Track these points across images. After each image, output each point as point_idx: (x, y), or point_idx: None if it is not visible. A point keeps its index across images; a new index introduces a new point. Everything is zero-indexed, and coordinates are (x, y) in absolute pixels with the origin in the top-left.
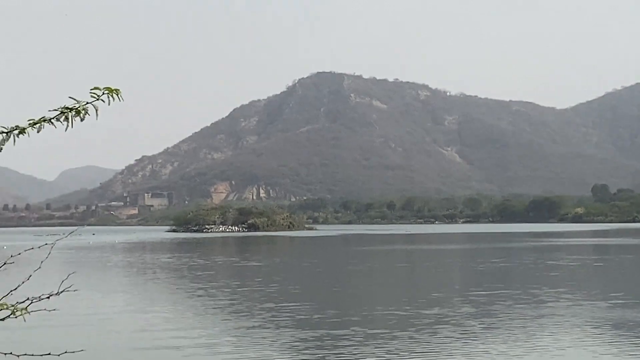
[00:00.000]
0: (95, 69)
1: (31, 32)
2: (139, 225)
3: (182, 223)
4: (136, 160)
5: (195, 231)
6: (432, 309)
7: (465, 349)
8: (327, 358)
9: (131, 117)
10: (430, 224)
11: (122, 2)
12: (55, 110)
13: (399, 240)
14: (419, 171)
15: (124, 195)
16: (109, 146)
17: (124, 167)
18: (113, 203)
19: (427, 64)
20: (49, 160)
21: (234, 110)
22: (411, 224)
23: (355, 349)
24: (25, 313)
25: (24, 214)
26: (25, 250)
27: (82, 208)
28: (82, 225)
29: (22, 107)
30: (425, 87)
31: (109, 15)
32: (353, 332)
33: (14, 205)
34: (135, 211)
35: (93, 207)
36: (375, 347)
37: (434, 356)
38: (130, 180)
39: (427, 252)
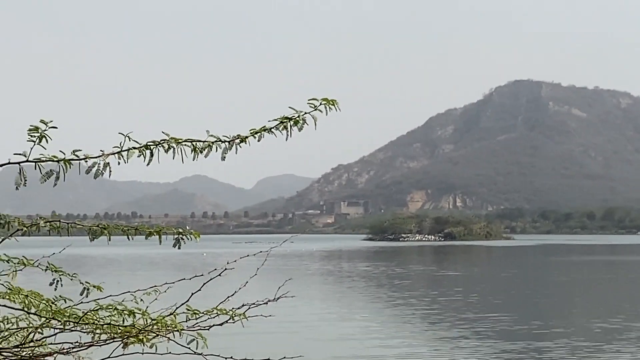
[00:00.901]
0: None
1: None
2: (335, 233)
3: (378, 231)
4: (332, 168)
5: (391, 240)
6: (639, 322)
7: None
8: None
9: (328, 126)
10: (633, 234)
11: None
12: (275, 120)
13: (600, 251)
14: (620, 181)
15: (320, 203)
16: (306, 155)
17: (320, 176)
18: (310, 211)
19: (628, 71)
20: (247, 169)
21: (430, 118)
22: (612, 234)
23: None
24: (243, 318)
25: (222, 222)
26: (241, 258)
27: (279, 216)
28: (287, 233)
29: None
30: (626, 94)
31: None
32: (555, 345)
33: (213, 213)
34: (332, 219)
35: (290, 215)
36: None
37: None
38: (326, 189)
39: (632, 264)
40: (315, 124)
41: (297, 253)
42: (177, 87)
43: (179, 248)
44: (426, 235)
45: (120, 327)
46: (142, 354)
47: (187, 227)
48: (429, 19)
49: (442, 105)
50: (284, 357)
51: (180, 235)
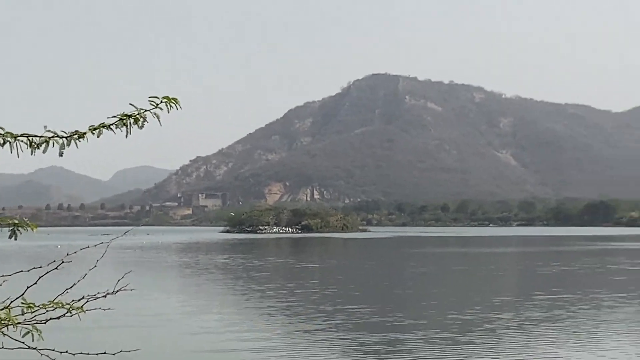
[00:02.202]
0: (156, 71)
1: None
2: (193, 225)
3: (236, 224)
4: (191, 160)
5: (249, 232)
6: (494, 313)
7: (529, 354)
8: None
9: (186, 118)
10: (485, 226)
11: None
12: (114, 117)
13: (454, 243)
14: (473, 174)
15: (178, 195)
16: (163, 147)
17: (178, 168)
18: (167, 203)
19: (482, 67)
20: (104, 161)
21: (289, 111)
22: (465, 226)
23: (415, 353)
24: (80, 312)
25: (78, 214)
26: (82, 249)
27: (136, 208)
28: (137, 225)
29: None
30: (480, 89)
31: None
32: (413, 336)
33: (69, 205)
34: (190, 211)
35: (147, 207)
36: (436, 351)
37: None
38: (184, 181)
39: (484, 255)
40: (160, 121)
41: (154, 245)
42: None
43: (15, 239)
44: (284, 228)
45: None
46: None
47: (35, 220)
48: (288, 11)
49: (301, 98)
50: (121, 351)
51: (16, 227)
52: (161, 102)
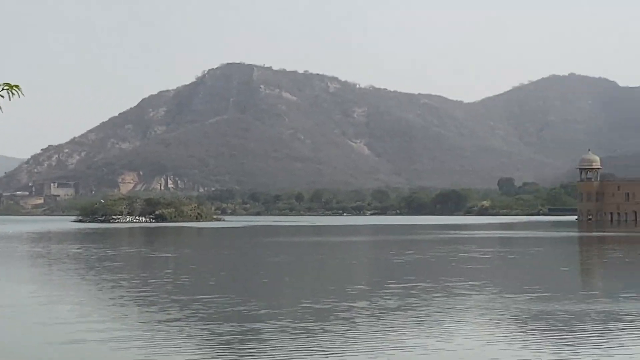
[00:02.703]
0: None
1: None
2: (45, 215)
3: (88, 213)
4: (42, 149)
5: (102, 221)
6: (348, 301)
7: (383, 341)
8: (241, 351)
9: (37, 105)
10: (339, 215)
11: None
12: None
13: (308, 232)
14: (327, 163)
15: (29, 184)
16: (13, 135)
17: (29, 157)
18: (18, 192)
19: (336, 56)
20: None
21: (143, 100)
22: (319, 215)
23: (268, 342)
24: None
25: None
26: None
27: None
28: None
29: None
30: (334, 79)
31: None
32: (266, 325)
33: None
34: (41, 201)
35: None
36: (292, 341)
37: (350, 350)
38: (35, 170)
39: (338, 244)
40: (1, 110)
41: (5, 235)
42: None
43: None
44: (137, 217)
45: None
46: None
47: None
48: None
49: (155, 86)
50: None
51: None
52: (2, 89)
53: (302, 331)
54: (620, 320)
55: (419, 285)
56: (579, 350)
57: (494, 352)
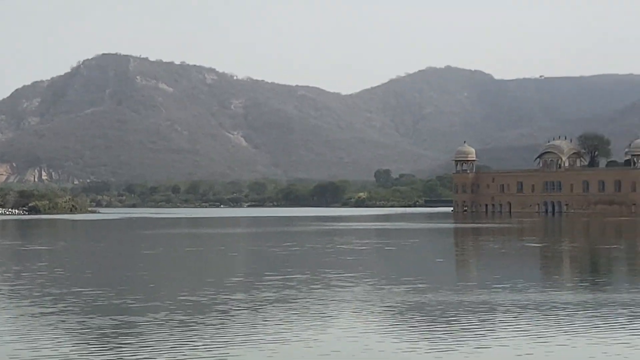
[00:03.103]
0: None
1: None
2: None
3: None
4: None
5: None
6: (225, 293)
7: (261, 334)
8: (116, 345)
9: None
10: (216, 207)
11: None
12: None
13: (185, 224)
14: (204, 155)
15: None
16: None
17: None
18: None
19: (213, 48)
20: None
21: (16, 90)
22: (196, 207)
23: (144, 335)
24: None
25: None
26: None
27: None
28: None
29: None
30: (212, 70)
31: None
32: (142, 318)
33: None
34: None
35: None
36: (168, 334)
37: (227, 343)
38: None
39: (215, 236)
40: None
41: None
42: None
43: None
44: (10, 210)
45: None
46: None
47: None
48: None
49: (28, 77)
50: None
51: None
52: None
53: (179, 324)
54: (495, 311)
55: (297, 277)
56: (454, 340)
57: (371, 343)
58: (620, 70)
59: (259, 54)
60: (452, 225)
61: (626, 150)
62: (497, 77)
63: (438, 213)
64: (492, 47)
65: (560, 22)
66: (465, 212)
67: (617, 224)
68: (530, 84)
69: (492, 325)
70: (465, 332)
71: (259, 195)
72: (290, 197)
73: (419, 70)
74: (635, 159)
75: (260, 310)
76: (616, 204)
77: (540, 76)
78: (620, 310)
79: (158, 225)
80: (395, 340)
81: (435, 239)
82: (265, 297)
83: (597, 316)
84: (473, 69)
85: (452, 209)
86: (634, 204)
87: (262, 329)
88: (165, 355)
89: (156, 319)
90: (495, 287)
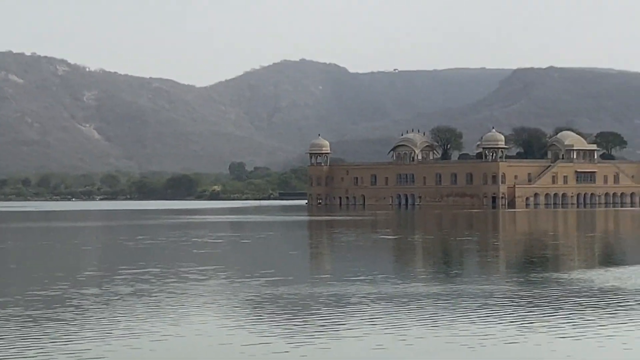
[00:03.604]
0: None
1: None
2: None
3: None
4: None
5: None
6: (78, 288)
7: (114, 328)
8: None
9: None
10: (67, 200)
11: None
12: None
13: (36, 217)
14: (56, 147)
15: None
16: None
17: None
18: None
19: (65, 38)
20: None
21: None
22: (48, 200)
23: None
24: None
25: None
26: None
27: None
28: None
29: None
30: (64, 62)
31: None
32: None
33: None
34: None
35: None
36: (18, 330)
37: (80, 338)
38: None
39: (67, 230)
40: None
41: None
42: None
43: None
44: None
45: None
46: None
47: None
48: None
49: None
50: None
51: None
52: None
53: (30, 320)
54: (349, 303)
55: (151, 271)
56: (309, 333)
57: (225, 337)
58: (472, 65)
59: (112, 46)
60: (307, 218)
61: (478, 143)
62: (351, 70)
63: (292, 206)
64: (346, 41)
65: (414, 16)
66: (319, 205)
67: (468, 216)
68: (385, 77)
69: (346, 318)
70: (320, 324)
71: (111, 189)
72: (143, 190)
73: (274, 63)
74: (486, 152)
75: (113, 304)
76: (468, 197)
77: (395, 70)
78: (471, 301)
79: (8, 219)
80: (249, 333)
81: (290, 231)
82: (118, 291)
83: (449, 307)
84: (328, 62)
85: (306, 201)
86: (486, 197)
87: (114, 323)
88: (13, 351)
89: (5, 314)
90: (350, 280)
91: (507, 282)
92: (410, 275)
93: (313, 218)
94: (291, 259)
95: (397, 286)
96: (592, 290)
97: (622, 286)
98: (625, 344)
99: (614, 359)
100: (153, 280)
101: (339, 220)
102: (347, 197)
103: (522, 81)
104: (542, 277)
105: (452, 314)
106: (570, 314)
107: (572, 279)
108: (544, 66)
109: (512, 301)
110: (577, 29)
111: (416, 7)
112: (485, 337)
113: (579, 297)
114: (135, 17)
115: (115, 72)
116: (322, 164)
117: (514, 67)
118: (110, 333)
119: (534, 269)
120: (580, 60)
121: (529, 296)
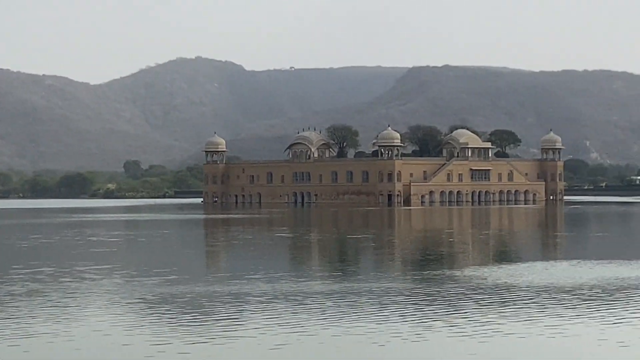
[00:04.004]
0: None
1: None
2: None
3: None
4: None
5: None
6: None
7: (10, 329)
8: None
9: None
10: None
11: None
12: None
13: None
14: None
15: None
16: None
17: None
18: None
19: None
20: None
21: None
22: None
23: None
24: None
25: None
26: None
27: None
28: None
29: None
30: None
31: None
32: None
33: None
34: None
35: None
36: None
37: None
38: None
39: None
40: None
41: None
42: None
43: None
44: None
45: None
46: None
47: None
48: None
49: None
50: None
51: None
52: None
53: None
54: (247, 302)
55: (46, 270)
56: (207, 332)
57: (123, 337)
58: (368, 63)
59: (3, 42)
60: (203, 216)
61: (374, 141)
62: (247, 68)
63: (188, 204)
64: (243, 38)
65: (310, 14)
66: (215, 203)
67: (364, 214)
68: (281, 75)
69: (244, 316)
70: (216, 323)
71: (3, 187)
72: (36, 189)
73: (170, 61)
74: (382, 149)
75: (6, 305)
76: (364, 194)
77: (291, 67)
78: (368, 299)
79: None
80: (147, 333)
81: (186, 230)
82: (11, 290)
83: (347, 305)
84: (224, 60)
85: (202, 200)
86: (381, 194)
87: (6, 324)
88: None
89: None
90: (247, 278)
91: (403, 279)
92: (307, 274)
93: (209, 216)
94: (188, 258)
95: (295, 284)
96: (486, 287)
97: (515, 283)
98: (523, 338)
99: (513, 354)
100: (47, 280)
101: (235, 218)
102: (243, 195)
103: (417, 79)
104: (437, 275)
105: (350, 312)
106: (466, 311)
107: (466, 276)
108: (440, 65)
109: (408, 298)
110: (472, 28)
111: (312, 5)
112: (380, 332)
113: (474, 294)
114: (28, 14)
115: (7, 69)
116: (218, 162)
117: (410, 66)
118: (3, 334)
119: (429, 267)
120: (474, 59)
121: (424, 293)
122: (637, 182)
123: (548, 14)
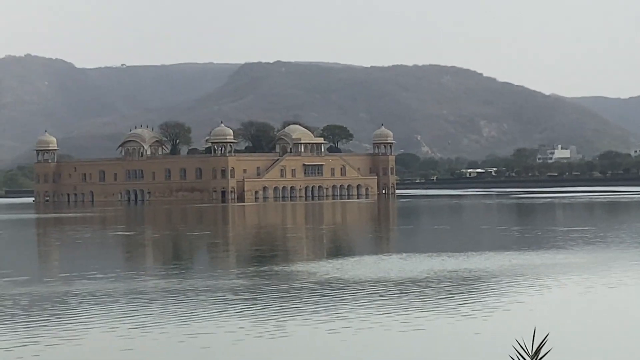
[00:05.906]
0: None
1: None
2: None
3: None
4: None
5: None
6: None
7: None
8: None
9: None
10: None
11: None
12: None
13: None
14: None
15: None
16: None
17: None
18: None
19: None
20: None
21: None
22: None
23: None
24: None
25: None
26: None
27: None
28: None
29: None
30: None
31: None
32: None
33: None
34: None
35: None
36: None
37: None
38: None
39: None
40: None
41: None
42: None
43: None
44: None
45: None
46: None
47: None
48: None
49: None
50: None
51: None
52: None
53: None
54: (89, 302)
55: None
56: (50, 333)
57: None
58: (200, 59)
59: None
60: (34, 216)
61: (207, 138)
62: (78, 65)
63: (19, 204)
64: (73, 35)
65: (140, 12)
66: (47, 202)
67: (198, 211)
68: (112, 72)
69: (90, 315)
70: (64, 323)
71: None
72: None
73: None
74: (215, 146)
75: None
76: (198, 191)
77: (122, 65)
78: (204, 296)
79: None
80: None
81: (19, 230)
82: None
83: (183, 302)
84: (54, 58)
85: (34, 199)
86: (215, 191)
87: None
88: None
89: None
90: (78, 278)
91: (238, 276)
92: (143, 271)
93: (41, 216)
94: (24, 259)
95: (130, 282)
96: (316, 282)
97: (343, 277)
98: (348, 327)
99: (333, 348)
100: None
101: (67, 217)
102: (76, 194)
103: (249, 76)
104: (269, 271)
105: (186, 310)
106: (295, 306)
107: (298, 271)
108: (272, 61)
109: (240, 295)
110: (304, 24)
111: (143, 1)
112: (219, 329)
113: (303, 289)
114: None
115: None
116: (49, 161)
117: (242, 62)
118: None
119: (262, 263)
120: (306, 55)
121: (257, 290)
122: (467, 175)
123: (377, 9)
